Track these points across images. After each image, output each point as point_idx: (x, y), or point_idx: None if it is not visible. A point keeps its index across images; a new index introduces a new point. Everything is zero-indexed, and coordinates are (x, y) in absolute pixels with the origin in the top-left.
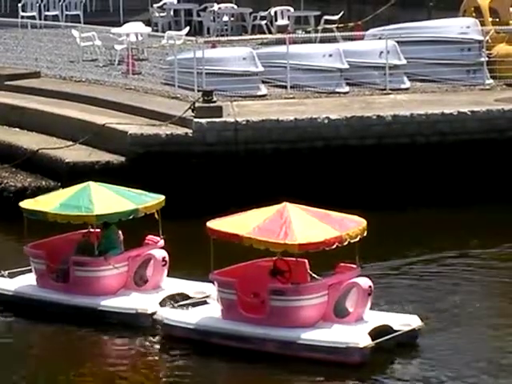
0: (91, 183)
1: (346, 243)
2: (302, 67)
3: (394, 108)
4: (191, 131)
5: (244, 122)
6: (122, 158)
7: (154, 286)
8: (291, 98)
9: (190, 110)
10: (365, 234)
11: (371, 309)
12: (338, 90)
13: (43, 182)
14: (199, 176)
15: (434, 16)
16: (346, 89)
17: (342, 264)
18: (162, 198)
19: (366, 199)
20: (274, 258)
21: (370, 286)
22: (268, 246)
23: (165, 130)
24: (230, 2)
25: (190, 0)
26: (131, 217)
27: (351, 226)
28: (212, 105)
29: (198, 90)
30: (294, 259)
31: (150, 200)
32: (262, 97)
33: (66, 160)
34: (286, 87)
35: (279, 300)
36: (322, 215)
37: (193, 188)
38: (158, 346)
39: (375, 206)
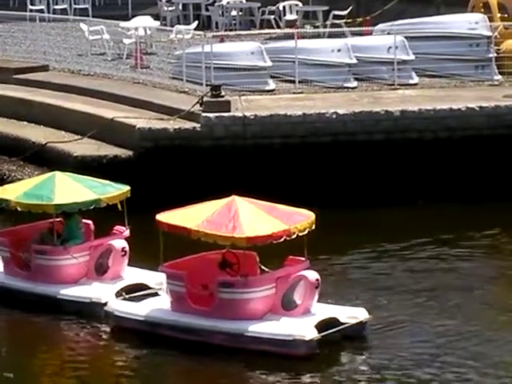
0: (57, 173)
1: (294, 236)
2: (311, 62)
3: (402, 103)
4: (199, 125)
5: (252, 117)
6: (130, 152)
7: (114, 276)
8: (299, 93)
9: (198, 105)
10: (313, 228)
11: (319, 301)
12: (346, 85)
13: None
14: (207, 170)
15: (443, 11)
16: (355, 84)
17: (291, 257)
18: (126, 188)
19: (374, 195)
20: (223, 251)
21: (317, 279)
22: (216, 239)
23: (173, 124)
24: None
25: None
26: (92, 207)
27: (299, 219)
28: (220, 99)
29: (207, 85)
30: (243, 252)
31: (113, 190)
32: (271, 91)
33: (74, 154)
34: (294, 82)
35: (227, 292)
36: (270, 208)
37: (201, 182)
38: (108, 337)
39: (383, 201)
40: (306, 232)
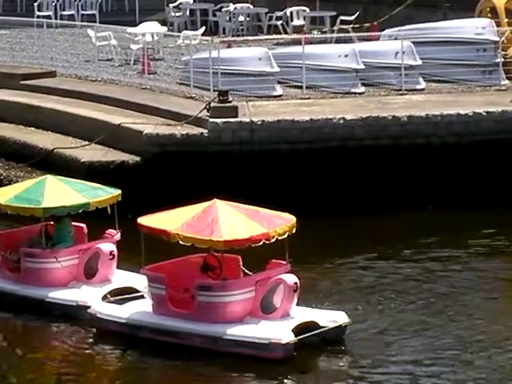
0: (49, 176)
1: (273, 240)
2: (318, 67)
3: (409, 109)
4: (206, 131)
5: (259, 122)
6: (138, 158)
7: (102, 279)
8: (307, 99)
9: (205, 110)
10: (294, 231)
11: (300, 305)
12: (353, 90)
13: None
14: (214, 176)
15: (450, 16)
16: (362, 89)
17: (273, 260)
18: (117, 192)
19: (382, 200)
20: (206, 254)
21: (295, 283)
22: (194, 242)
23: (180, 129)
24: (245, 2)
25: (206, 0)
26: (81, 210)
27: (279, 223)
28: (227, 105)
29: (214, 90)
30: (221, 255)
31: (103, 194)
32: (278, 97)
33: (82, 159)
34: (301, 87)
35: (205, 295)
36: (250, 212)
37: (208, 187)
38: (91, 340)
39: (391, 206)
40: (285, 235)
